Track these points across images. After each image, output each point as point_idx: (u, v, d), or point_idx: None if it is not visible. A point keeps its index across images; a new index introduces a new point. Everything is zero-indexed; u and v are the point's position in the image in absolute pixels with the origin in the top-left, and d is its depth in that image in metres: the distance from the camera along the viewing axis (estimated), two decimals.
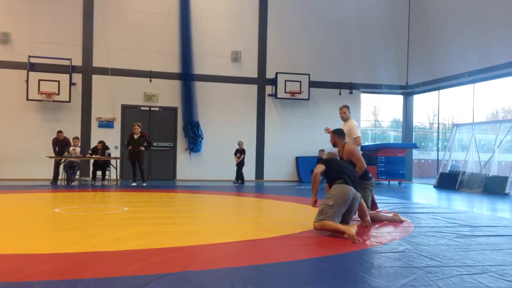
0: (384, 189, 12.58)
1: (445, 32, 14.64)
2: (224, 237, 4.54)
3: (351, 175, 5.17)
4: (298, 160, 15.66)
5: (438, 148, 17.43)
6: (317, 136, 15.58)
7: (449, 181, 13.27)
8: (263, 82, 15.44)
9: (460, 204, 9.21)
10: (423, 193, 11.90)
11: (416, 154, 19.54)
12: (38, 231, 4.90)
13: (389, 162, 15.17)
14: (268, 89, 15.50)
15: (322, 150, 14.30)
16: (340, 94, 16.02)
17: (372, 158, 15.63)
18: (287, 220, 5.79)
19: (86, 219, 5.57)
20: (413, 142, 17.14)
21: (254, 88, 15.33)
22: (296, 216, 6.24)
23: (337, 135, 5.99)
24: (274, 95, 15.24)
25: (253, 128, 15.36)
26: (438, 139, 18.61)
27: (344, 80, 16.05)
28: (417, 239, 4.62)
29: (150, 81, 14.41)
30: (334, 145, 6.10)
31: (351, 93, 16.13)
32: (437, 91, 15.63)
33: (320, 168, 5.25)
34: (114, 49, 14.06)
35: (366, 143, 18.91)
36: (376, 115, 26.23)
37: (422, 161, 22.03)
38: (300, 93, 15.09)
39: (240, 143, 14.00)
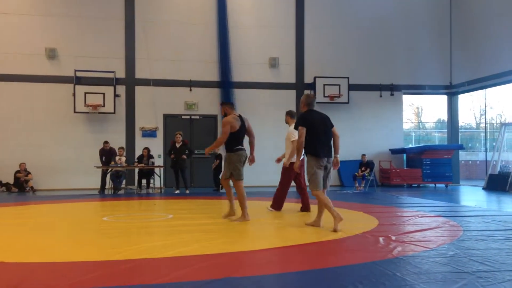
0: (430, 192, 12.23)
1: (490, 28, 14.13)
2: (267, 243, 4.54)
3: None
4: (340, 164, 15.46)
5: (486, 149, 16.77)
6: (358, 140, 15.38)
7: (498, 183, 12.74)
8: (301, 87, 15.39)
9: (511, 206, 8.83)
10: (472, 196, 11.48)
11: (463, 156, 18.88)
12: (88, 239, 5.07)
13: (435, 165, 14.75)
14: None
15: (364, 155, 14.07)
16: (381, 96, 15.75)
17: (416, 161, 15.25)
18: (330, 225, 5.72)
19: (132, 227, 5.72)
20: (459, 143, 16.58)
21: (292, 93, 15.30)
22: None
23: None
24: None
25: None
26: (485, 139, 17.91)
27: (385, 81, 15.76)
28: (466, 243, 4.46)
29: (190, 90, 14.66)
30: None
31: (392, 94, 15.82)
32: (483, 89, 15.07)
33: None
34: (155, 60, 14.42)
35: (410, 145, 18.47)
36: (420, 116, 25.60)
37: (470, 162, 21.24)
38: (339, 96, 14.94)
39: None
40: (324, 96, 14.93)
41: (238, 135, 6.40)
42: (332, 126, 5.89)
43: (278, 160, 7.62)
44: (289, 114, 7.63)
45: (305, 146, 5.60)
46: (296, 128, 5.69)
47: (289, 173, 7.22)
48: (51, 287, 2.94)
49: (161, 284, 3.04)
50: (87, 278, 3.16)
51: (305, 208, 7.47)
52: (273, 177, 14.91)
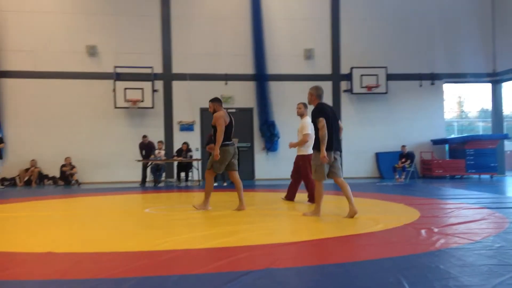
0: (474, 184, 11.86)
1: None
2: (306, 235, 4.53)
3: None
4: (378, 156, 15.23)
5: None
6: (397, 131, 15.09)
7: None
8: (337, 78, 15.22)
9: None
10: None
11: (508, 145, 18.16)
12: (131, 230, 5.21)
13: (479, 155, 14.29)
14: (343, 84, 15.24)
15: (404, 146, 13.79)
16: (421, 85, 15.38)
17: (459, 151, 14.81)
18: (369, 217, 5.65)
19: (173, 218, 5.83)
20: (504, 132, 15.97)
21: (328, 84, 15.14)
22: (378, 214, 6.07)
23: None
24: (350, 90, 14.95)
25: None
26: None
27: (425, 70, 15.37)
28: None
29: (226, 83, 14.76)
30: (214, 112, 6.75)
31: (432, 84, 15.42)
32: None
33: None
34: (191, 55, 14.59)
35: (452, 136, 17.96)
36: (462, 105, 24.81)
37: None
38: (377, 87, 14.68)
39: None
40: (362, 87, 14.71)
41: (227, 130, 6.61)
42: (338, 119, 6.04)
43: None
44: (305, 105, 7.38)
45: (315, 139, 5.72)
46: (314, 119, 5.71)
47: (306, 165, 7.19)
48: (96, 275, 3.05)
49: (202, 274, 3.09)
50: (130, 268, 3.25)
51: (312, 199, 7.36)
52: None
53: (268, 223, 5.43)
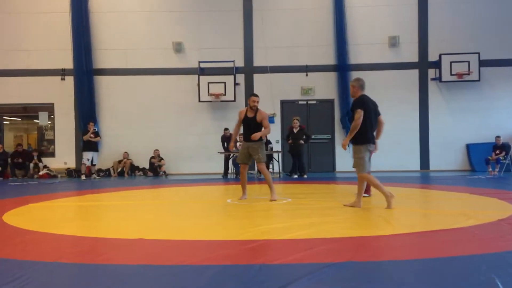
0: None
1: None
2: (390, 229, 4.40)
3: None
4: (469, 147, 14.32)
5: None
6: (491, 121, 14.10)
7: None
8: (424, 66, 14.49)
9: None
10: None
11: None
12: (214, 219, 5.40)
13: None
14: (431, 72, 14.49)
15: (499, 137, 12.83)
16: None
17: None
18: (459, 212, 5.35)
19: (254, 209, 5.94)
20: None
21: (415, 73, 14.49)
22: (469, 208, 5.73)
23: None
24: (438, 78, 14.18)
25: (415, 115, 14.53)
26: None
27: None
28: None
29: (306, 75, 14.67)
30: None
31: None
32: None
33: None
34: (272, 48, 14.68)
35: None
36: None
37: None
38: (468, 74, 13.77)
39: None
40: (451, 75, 13.89)
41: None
42: (379, 114, 6.07)
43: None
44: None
45: (359, 130, 5.70)
46: (353, 110, 5.72)
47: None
48: (181, 262, 3.20)
49: (283, 265, 3.12)
50: (212, 256, 3.37)
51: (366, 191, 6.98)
52: (396, 161, 14.37)
53: (349, 216, 5.35)
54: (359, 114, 5.64)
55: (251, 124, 6.86)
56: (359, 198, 5.91)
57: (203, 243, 3.92)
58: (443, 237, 4.00)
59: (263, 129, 6.83)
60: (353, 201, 5.97)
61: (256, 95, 7.03)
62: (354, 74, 14.50)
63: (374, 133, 5.99)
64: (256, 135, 6.64)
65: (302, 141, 12.40)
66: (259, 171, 13.40)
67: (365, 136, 5.75)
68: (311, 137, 13.33)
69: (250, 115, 6.89)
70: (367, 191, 7.04)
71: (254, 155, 6.96)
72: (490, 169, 12.56)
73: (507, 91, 14.30)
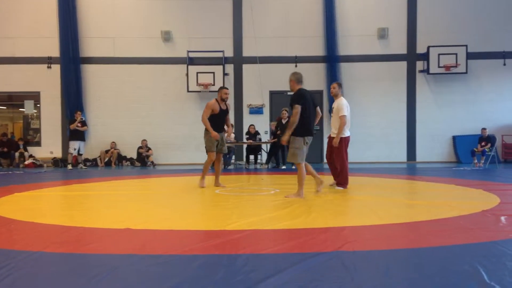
0: None
1: None
2: (376, 219, 4.44)
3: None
4: (456, 139, 14.48)
5: None
6: (477, 113, 14.27)
7: None
8: (413, 58, 14.58)
9: None
10: None
11: None
12: (202, 209, 5.40)
13: None
14: (419, 64, 14.59)
15: (485, 129, 12.99)
16: (504, 64, 14.37)
17: None
18: (444, 203, 5.42)
19: (242, 200, 5.95)
20: None
21: (403, 65, 14.58)
22: (454, 199, 5.80)
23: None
24: (426, 70, 14.28)
25: (403, 107, 14.65)
26: None
27: (509, 48, 14.31)
28: None
29: (296, 66, 14.66)
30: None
31: None
32: None
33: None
34: (261, 38, 14.63)
35: None
36: None
37: None
38: (456, 66, 13.89)
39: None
40: (439, 67, 14.01)
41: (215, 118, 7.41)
42: (317, 105, 6.27)
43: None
44: (340, 85, 7.30)
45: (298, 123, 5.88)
46: (292, 104, 5.91)
47: (341, 147, 7.01)
48: (169, 252, 3.20)
49: (270, 254, 3.14)
50: (200, 246, 3.38)
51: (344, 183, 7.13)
52: (383, 153, 14.48)
53: (335, 206, 5.38)
54: (297, 110, 5.85)
55: (224, 115, 7.39)
56: (301, 189, 6.01)
57: (190, 233, 3.92)
58: (428, 228, 4.05)
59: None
60: (295, 192, 6.04)
61: (227, 88, 7.60)
62: (343, 66, 14.57)
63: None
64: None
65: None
66: (247, 161, 13.46)
67: (303, 128, 5.93)
68: None
69: (223, 107, 7.36)
70: (344, 184, 7.05)
71: (223, 146, 7.44)
72: (476, 161, 12.72)
73: (493, 84, 14.46)
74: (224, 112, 7.38)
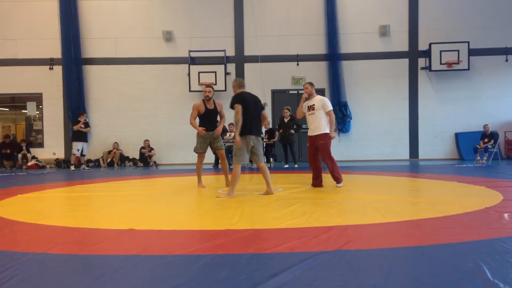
0: None
1: None
2: (379, 217, 4.44)
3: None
4: (458, 136, 14.46)
5: None
6: (480, 110, 14.24)
7: None
8: (415, 55, 14.55)
9: None
10: None
11: None
12: (205, 209, 5.41)
13: None
14: (421, 62, 14.56)
15: (487, 125, 12.96)
16: (507, 60, 14.34)
17: None
18: (447, 200, 5.41)
19: (245, 199, 5.95)
20: None
21: (405, 62, 14.56)
22: (457, 196, 5.79)
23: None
24: (428, 67, 14.26)
25: (405, 105, 14.63)
26: None
27: (511, 44, 14.26)
28: None
29: (297, 64, 14.66)
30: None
31: None
32: None
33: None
34: (263, 37, 14.63)
35: None
36: None
37: None
38: (458, 63, 13.87)
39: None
40: (441, 64, 13.97)
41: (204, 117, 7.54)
42: (263, 109, 6.47)
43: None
44: (311, 84, 7.25)
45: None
46: (231, 106, 6.08)
47: (329, 144, 6.99)
48: (173, 252, 3.20)
49: (274, 253, 3.14)
50: (204, 246, 3.38)
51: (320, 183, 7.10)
52: (385, 150, 14.46)
53: (338, 205, 5.38)
54: (237, 109, 6.04)
55: (212, 115, 7.40)
56: (232, 189, 6.11)
57: (194, 233, 3.93)
58: (431, 225, 4.05)
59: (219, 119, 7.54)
60: (226, 192, 6.21)
61: (210, 86, 7.52)
62: (345, 63, 14.55)
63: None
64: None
65: (292, 131, 12.43)
66: (250, 161, 13.43)
67: (245, 128, 6.08)
68: (302, 127, 13.37)
69: (210, 106, 7.36)
70: (340, 179, 7.01)
71: (217, 143, 7.55)
72: (478, 158, 12.69)
73: (495, 80, 14.42)
74: (212, 112, 7.39)
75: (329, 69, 14.61)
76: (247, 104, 6.16)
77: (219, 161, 7.66)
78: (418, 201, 5.60)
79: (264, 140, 13.03)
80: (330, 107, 7.02)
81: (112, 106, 14.83)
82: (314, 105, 7.06)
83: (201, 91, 14.29)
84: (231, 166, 12.91)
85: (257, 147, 6.29)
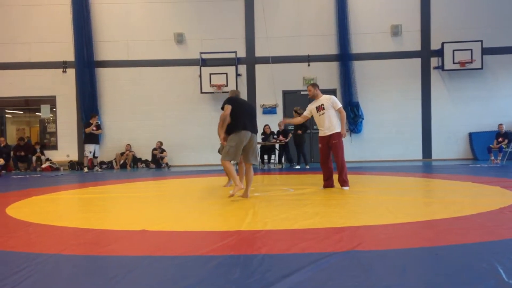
0: None
1: None
2: (392, 218, 4.40)
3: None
4: (472, 136, 14.29)
5: None
6: (494, 109, 14.07)
7: None
8: (427, 54, 14.43)
9: None
10: None
11: None
12: (217, 210, 5.41)
13: None
14: (434, 61, 14.43)
15: (502, 124, 12.80)
16: None
17: None
18: (461, 200, 5.35)
19: (256, 200, 5.95)
20: None
21: (417, 61, 14.44)
22: (471, 197, 5.72)
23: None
24: (441, 67, 14.12)
25: (418, 105, 14.51)
26: None
27: None
28: None
29: (308, 65, 14.63)
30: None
31: None
32: None
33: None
34: (274, 38, 14.62)
35: None
36: None
37: None
38: (471, 62, 13.71)
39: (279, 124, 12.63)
40: (454, 63, 13.84)
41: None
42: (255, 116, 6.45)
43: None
44: (314, 85, 7.27)
45: (232, 121, 6.09)
46: (222, 107, 6.16)
47: (342, 142, 6.93)
48: (185, 253, 3.21)
49: (286, 254, 3.13)
50: (216, 247, 3.38)
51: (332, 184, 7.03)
52: (398, 151, 14.36)
53: (350, 205, 5.36)
54: (226, 107, 6.07)
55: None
56: (236, 180, 6.10)
57: (206, 234, 3.93)
58: (445, 226, 4.01)
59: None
60: (234, 188, 6.11)
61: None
62: (357, 64, 14.49)
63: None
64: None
65: (300, 131, 12.43)
66: (261, 161, 13.45)
67: (239, 124, 6.06)
68: (308, 128, 13.30)
69: None
70: (347, 182, 6.89)
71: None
72: (493, 157, 12.54)
73: (509, 79, 14.24)
74: None
75: (340, 69, 14.56)
76: (240, 103, 6.23)
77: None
78: (431, 201, 5.55)
79: (278, 140, 13.03)
80: (340, 104, 6.98)
81: (124, 108, 14.94)
82: (322, 104, 6.98)
83: (213, 92, 14.40)
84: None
85: (252, 144, 6.19)
